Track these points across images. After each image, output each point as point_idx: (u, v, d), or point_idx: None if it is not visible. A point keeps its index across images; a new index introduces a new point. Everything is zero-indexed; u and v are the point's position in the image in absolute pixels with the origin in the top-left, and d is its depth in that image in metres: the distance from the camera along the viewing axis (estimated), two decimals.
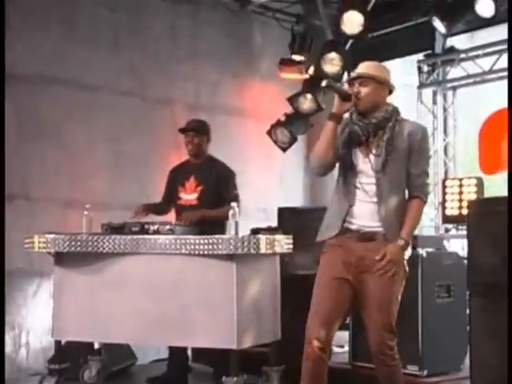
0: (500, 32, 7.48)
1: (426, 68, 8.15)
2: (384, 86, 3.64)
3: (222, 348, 4.36)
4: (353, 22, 6.48)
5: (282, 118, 7.49)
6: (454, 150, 8.28)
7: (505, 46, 7.44)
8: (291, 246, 4.66)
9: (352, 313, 5.08)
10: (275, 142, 7.53)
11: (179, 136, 5.50)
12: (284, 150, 7.54)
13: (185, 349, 5.21)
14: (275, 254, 4.61)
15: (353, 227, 3.57)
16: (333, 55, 6.81)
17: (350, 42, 7.01)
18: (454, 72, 8.08)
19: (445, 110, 8.26)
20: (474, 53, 7.79)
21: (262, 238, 4.33)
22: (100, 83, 6.70)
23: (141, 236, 4.49)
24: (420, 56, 8.18)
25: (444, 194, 7.62)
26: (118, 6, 6.89)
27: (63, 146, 6.41)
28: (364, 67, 3.67)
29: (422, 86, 8.21)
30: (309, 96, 7.19)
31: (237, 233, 4.29)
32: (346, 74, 7.09)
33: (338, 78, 6.62)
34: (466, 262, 4.52)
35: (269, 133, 7.54)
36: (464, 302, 4.74)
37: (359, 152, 3.60)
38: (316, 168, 3.65)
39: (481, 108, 9.12)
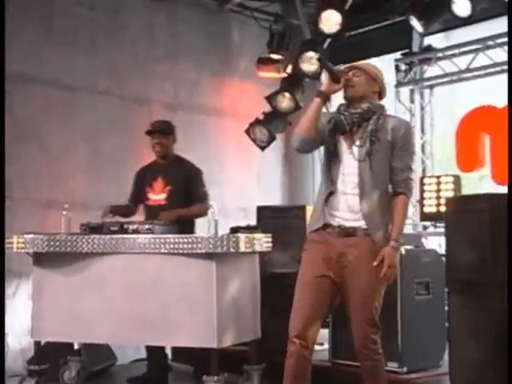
0: (476, 31, 7.56)
1: (403, 67, 8.20)
2: (375, 83, 3.69)
3: (202, 347, 4.36)
4: (331, 21, 6.51)
5: (261, 117, 7.50)
6: (431, 148, 8.34)
7: (481, 45, 7.52)
8: (270, 245, 4.68)
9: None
10: (254, 140, 7.54)
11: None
12: (262, 148, 7.55)
13: (162, 348, 5.21)
14: (255, 253, 4.62)
15: (334, 222, 3.56)
16: (311, 54, 6.84)
17: (328, 40, 7.05)
18: (431, 71, 8.13)
19: (422, 108, 8.31)
20: (451, 52, 7.84)
21: (242, 236, 4.34)
22: (78, 83, 6.68)
23: (120, 235, 4.48)
24: (397, 55, 8.22)
25: (422, 191, 7.66)
26: (95, 5, 6.87)
27: (42, 146, 6.38)
28: (361, 63, 3.75)
29: (399, 84, 8.25)
30: (287, 95, 7.21)
31: (216, 232, 4.29)
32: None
33: (316, 76, 6.65)
34: (444, 259, 4.58)
35: (247, 131, 7.55)
36: (442, 299, 4.79)
37: (343, 142, 3.60)
38: (298, 143, 3.61)
39: (457, 106, 9.19)
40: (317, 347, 5.47)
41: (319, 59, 3.79)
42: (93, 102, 6.78)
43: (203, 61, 7.70)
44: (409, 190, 3.65)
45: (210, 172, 6.46)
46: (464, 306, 4.28)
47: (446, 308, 4.61)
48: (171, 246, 4.29)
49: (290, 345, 3.50)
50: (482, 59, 7.55)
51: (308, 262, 3.61)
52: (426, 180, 7.74)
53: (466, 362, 4.22)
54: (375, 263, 3.47)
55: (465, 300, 4.28)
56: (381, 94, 3.73)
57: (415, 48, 8.03)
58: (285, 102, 7.22)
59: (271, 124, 7.47)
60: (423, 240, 6.46)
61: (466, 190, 7.78)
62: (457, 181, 7.41)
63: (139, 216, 5.31)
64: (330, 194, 3.57)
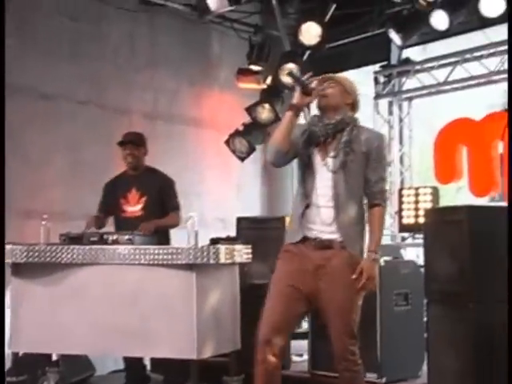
0: (452, 45, 7.65)
1: (382, 79, 8.27)
2: (349, 95, 3.68)
3: (182, 358, 4.34)
4: (310, 32, 6.58)
5: (240, 128, 7.53)
6: (409, 159, 8.40)
7: (458, 58, 7.61)
8: (250, 256, 4.68)
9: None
10: (233, 151, 7.56)
11: None
12: (242, 159, 7.57)
13: (141, 359, 5.19)
14: (234, 264, 4.61)
15: (310, 235, 3.56)
16: (291, 66, 6.87)
17: (308, 52, 7.09)
18: (410, 83, 8.22)
19: (401, 120, 8.37)
20: (429, 64, 7.93)
21: (222, 247, 4.34)
22: (59, 92, 6.65)
23: (99, 246, 4.44)
24: (376, 67, 8.30)
25: (400, 203, 7.71)
26: (76, 15, 6.85)
27: (21, 155, 6.33)
28: (336, 74, 3.77)
29: (378, 96, 8.32)
30: (267, 106, 7.25)
31: (196, 243, 4.28)
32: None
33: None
34: (423, 270, 4.61)
35: (227, 142, 7.57)
36: (421, 310, 4.82)
37: (317, 153, 3.60)
38: (272, 157, 3.63)
39: (435, 118, 9.27)
40: (296, 358, 5.54)
41: (289, 73, 3.75)
42: (73, 111, 6.76)
43: (183, 71, 7.72)
44: (384, 200, 3.66)
45: (190, 183, 6.49)
46: (443, 317, 4.31)
47: (425, 319, 4.65)
48: (151, 256, 4.28)
49: (259, 353, 3.50)
50: (459, 72, 7.64)
51: (282, 272, 3.61)
52: (404, 191, 7.80)
53: (444, 372, 4.25)
54: (354, 276, 3.47)
55: (443, 311, 4.32)
56: (354, 106, 3.72)
57: (394, 60, 8.12)
58: (264, 113, 7.25)
59: (251, 135, 7.49)
60: (402, 251, 6.49)
61: (444, 202, 7.85)
62: (435, 192, 7.47)
63: (109, 228, 5.29)
64: (306, 207, 3.56)
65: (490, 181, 7.06)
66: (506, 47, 7.18)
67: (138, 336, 4.37)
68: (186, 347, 4.26)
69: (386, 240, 8.13)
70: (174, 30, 7.71)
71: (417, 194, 7.57)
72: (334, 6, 6.71)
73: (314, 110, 3.81)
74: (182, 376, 4.48)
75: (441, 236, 4.35)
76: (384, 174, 3.68)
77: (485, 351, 4.09)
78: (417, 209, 7.50)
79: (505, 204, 6.35)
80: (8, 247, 4.56)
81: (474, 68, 7.58)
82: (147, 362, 5.43)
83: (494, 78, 7.46)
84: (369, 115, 8.48)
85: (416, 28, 6.78)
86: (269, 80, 7.36)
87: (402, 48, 7.59)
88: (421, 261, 5.57)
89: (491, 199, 8.28)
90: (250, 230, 5.77)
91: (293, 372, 5.26)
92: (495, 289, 4.20)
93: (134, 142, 5.33)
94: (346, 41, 7.79)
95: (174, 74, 7.63)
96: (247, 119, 7.41)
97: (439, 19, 6.45)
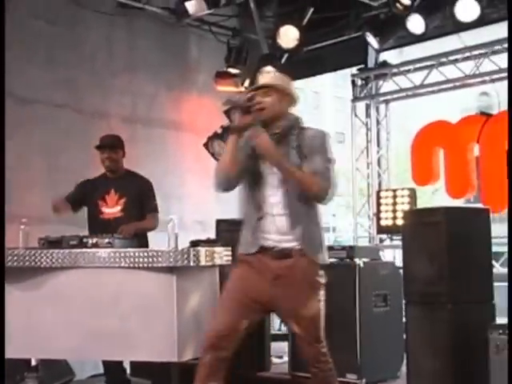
0: (429, 48, 7.73)
1: (359, 82, 8.32)
2: (287, 96, 3.59)
3: (162, 361, 4.34)
4: (288, 36, 6.62)
5: (219, 131, 7.54)
6: (387, 162, 8.45)
7: (434, 62, 7.68)
8: (230, 258, 4.68)
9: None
10: (212, 154, 7.57)
11: None
12: None
13: (120, 362, 5.17)
14: (215, 266, 4.63)
15: (267, 244, 3.50)
16: (269, 68, 6.91)
17: (286, 55, 7.13)
18: (387, 86, 8.27)
19: (378, 122, 8.43)
20: (406, 67, 7.99)
21: (202, 250, 4.35)
22: (35, 96, 6.62)
23: (79, 250, 4.43)
24: (354, 70, 8.35)
25: (378, 204, 7.76)
26: (53, 19, 6.83)
27: None
28: (267, 78, 3.68)
29: (355, 99, 8.37)
30: None
31: (176, 245, 4.28)
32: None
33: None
34: (401, 271, 4.65)
35: (206, 145, 7.58)
36: (400, 311, 4.86)
37: (265, 163, 3.52)
38: (220, 183, 3.57)
39: (409, 121, 9.36)
40: (276, 360, 5.56)
41: (226, 102, 3.56)
42: (50, 115, 6.73)
43: (161, 75, 7.71)
44: (325, 178, 3.46)
45: (170, 186, 6.48)
46: (421, 318, 4.36)
47: (404, 320, 4.69)
48: (131, 259, 4.27)
49: (204, 355, 3.47)
50: (435, 75, 7.72)
51: (236, 281, 3.57)
52: (382, 193, 7.84)
53: (423, 372, 4.29)
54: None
55: (422, 312, 4.36)
56: (295, 102, 3.63)
57: (371, 64, 8.17)
58: None
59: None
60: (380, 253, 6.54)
61: (420, 204, 7.91)
62: (412, 194, 7.53)
63: (82, 230, 5.26)
64: (260, 217, 3.50)
65: (466, 183, 7.13)
66: (480, 51, 7.30)
67: (118, 339, 4.36)
68: (167, 350, 4.26)
69: (363, 242, 8.20)
70: (152, 33, 7.71)
71: (394, 196, 7.62)
72: (311, 10, 6.76)
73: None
74: (162, 379, 4.49)
75: (419, 237, 4.40)
76: (324, 165, 3.48)
77: (463, 351, 4.14)
78: (394, 210, 7.56)
79: (481, 206, 6.48)
80: None
81: (450, 71, 7.66)
82: (127, 366, 5.41)
83: (468, 82, 7.55)
84: (347, 118, 8.55)
85: (393, 32, 6.85)
86: (247, 83, 7.39)
87: (379, 51, 7.66)
88: (398, 262, 5.63)
89: (466, 201, 8.37)
90: (230, 232, 5.76)
91: (273, 374, 5.28)
92: (472, 289, 4.27)
93: (112, 146, 5.32)
94: (323, 44, 7.83)
95: (152, 77, 7.62)
96: (226, 122, 7.41)
97: (415, 23, 6.53)
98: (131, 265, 4.28)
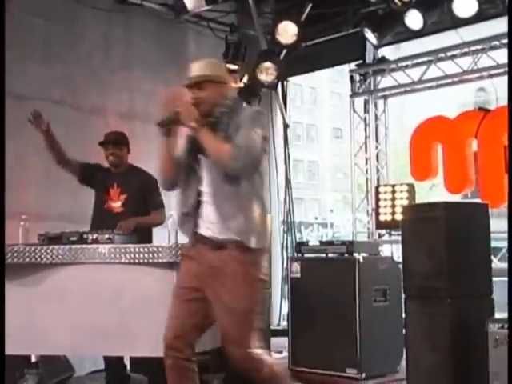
0: (426, 43, 7.74)
1: (357, 77, 8.33)
2: (222, 83, 3.53)
3: (162, 356, 4.34)
4: (287, 31, 6.62)
5: None
6: (386, 157, 8.46)
7: (432, 58, 7.69)
8: None
9: (291, 319, 5.18)
10: None
11: None
12: None
13: (121, 358, 5.18)
14: None
15: (204, 234, 3.47)
16: (268, 64, 6.92)
17: (284, 51, 7.13)
18: (385, 81, 8.28)
19: (376, 118, 8.43)
20: (404, 63, 8.00)
21: None
22: (32, 93, 6.60)
23: (79, 246, 4.44)
24: (352, 65, 8.36)
25: (377, 200, 7.78)
26: (50, 15, 6.81)
27: None
28: (197, 69, 3.54)
29: (354, 94, 8.38)
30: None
31: (177, 241, 4.29)
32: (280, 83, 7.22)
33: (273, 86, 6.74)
34: (401, 266, 4.66)
35: None
36: (399, 306, 4.87)
37: (202, 156, 3.49)
38: (162, 185, 3.73)
39: (406, 117, 9.37)
40: (276, 355, 5.57)
41: (160, 127, 3.57)
42: (47, 111, 6.65)
43: (159, 71, 7.69)
44: (242, 150, 3.34)
45: None
46: (421, 313, 4.37)
47: (403, 314, 4.70)
48: (131, 255, 4.28)
49: (166, 358, 3.46)
50: (433, 71, 7.73)
51: (182, 275, 3.59)
52: (381, 189, 7.86)
53: (422, 367, 4.30)
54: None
55: (421, 306, 4.37)
56: (227, 84, 3.58)
57: (369, 59, 8.18)
58: None
59: None
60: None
61: (417, 199, 7.92)
62: (411, 189, 7.55)
63: (85, 223, 5.27)
64: (197, 207, 3.47)
65: (464, 178, 7.14)
66: (478, 47, 7.31)
67: (119, 335, 4.37)
68: None
69: (362, 237, 8.22)
70: (150, 29, 7.69)
71: (393, 191, 7.64)
72: (309, 6, 6.77)
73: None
74: (162, 375, 4.49)
75: (418, 232, 4.40)
76: (246, 138, 3.36)
77: (462, 346, 4.15)
78: (393, 206, 7.57)
79: (479, 201, 6.49)
80: None
81: (448, 67, 7.66)
82: (127, 362, 5.42)
83: (466, 77, 7.56)
84: (345, 113, 8.56)
85: (391, 27, 6.86)
86: (245, 79, 7.39)
87: (377, 47, 7.67)
88: (396, 257, 5.65)
89: (464, 196, 8.38)
90: None
91: None
92: (471, 284, 4.28)
93: (116, 142, 5.32)
94: (321, 40, 7.83)
95: (150, 74, 7.60)
96: None
97: (414, 19, 6.54)
98: (131, 261, 4.29)
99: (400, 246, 4.93)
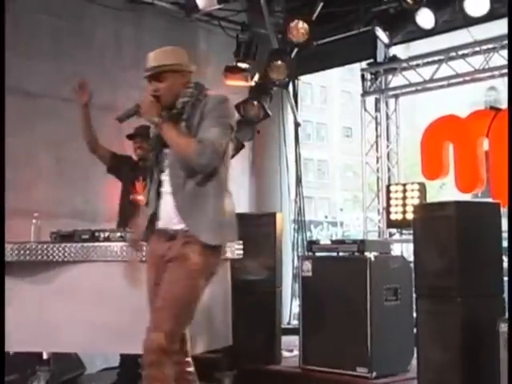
0: (437, 42, 7.72)
1: (369, 76, 8.32)
2: (181, 72, 3.45)
3: None
4: (299, 30, 6.62)
5: None
6: (397, 156, 8.45)
7: (444, 56, 7.67)
8: (242, 252, 4.70)
9: (302, 318, 5.18)
10: None
11: (124, 143, 5.53)
12: (232, 156, 7.56)
13: (136, 356, 5.19)
14: (226, 260, 4.64)
15: (160, 226, 3.45)
16: (279, 63, 6.92)
17: (296, 50, 7.13)
18: (396, 80, 8.27)
19: (387, 117, 8.42)
20: (415, 62, 7.99)
21: None
22: (42, 90, 6.62)
23: (91, 243, 4.45)
24: (363, 64, 8.35)
25: (388, 199, 7.77)
26: (61, 13, 6.82)
27: (6, 154, 6.30)
28: (154, 59, 3.44)
29: (365, 93, 8.37)
30: (256, 103, 7.27)
31: None
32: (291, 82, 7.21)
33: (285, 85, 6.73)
34: (412, 265, 4.66)
35: None
36: (411, 305, 4.87)
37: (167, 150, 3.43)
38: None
39: (417, 115, 9.35)
40: (286, 354, 5.58)
41: (119, 121, 3.57)
42: (57, 109, 6.72)
43: None
44: (205, 145, 3.30)
45: None
46: (431, 312, 4.36)
47: (415, 313, 4.70)
48: (143, 253, 4.28)
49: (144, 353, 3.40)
50: (444, 70, 7.71)
51: (147, 268, 3.59)
52: (392, 188, 7.85)
53: (433, 366, 4.30)
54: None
55: (432, 305, 4.37)
56: (188, 70, 3.51)
57: (380, 58, 8.17)
58: (253, 110, 7.29)
59: (240, 132, 7.49)
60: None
61: (430, 196, 7.92)
62: (422, 188, 7.54)
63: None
64: (157, 198, 3.44)
65: (475, 177, 7.12)
66: (489, 46, 7.28)
67: (130, 333, 4.35)
68: None
69: (373, 236, 8.21)
70: (161, 28, 7.69)
71: (404, 190, 7.63)
72: (321, 4, 6.77)
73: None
74: None
75: (429, 231, 4.40)
76: (210, 132, 3.33)
77: (473, 345, 4.15)
78: (404, 205, 7.56)
79: (490, 200, 6.47)
80: None
81: (459, 66, 7.65)
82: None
83: (478, 76, 7.54)
84: (356, 112, 8.55)
85: (402, 26, 6.84)
86: (256, 77, 7.39)
87: (388, 46, 7.65)
88: (407, 256, 5.63)
89: (474, 196, 8.36)
90: (241, 226, 5.77)
91: (283, 367, 5.31)
92: (483, 283, 4.27)
93: (143, 135, 5.34)
94: (332, 38, 7.82)
95: None
96: (236, 116, 7.43)
97: (425, 18, 6.51)
98: (143, 258, 4.29)
99: (410, 245, 4.94)
